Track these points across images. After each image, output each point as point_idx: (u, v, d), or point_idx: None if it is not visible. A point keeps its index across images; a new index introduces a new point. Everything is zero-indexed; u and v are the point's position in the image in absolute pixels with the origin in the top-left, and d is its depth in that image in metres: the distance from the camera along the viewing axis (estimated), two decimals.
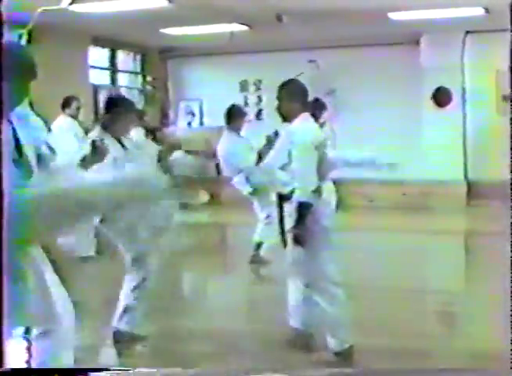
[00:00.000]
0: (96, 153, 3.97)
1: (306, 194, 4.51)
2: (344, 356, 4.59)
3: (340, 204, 8.60)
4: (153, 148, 8.19)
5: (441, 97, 12.27)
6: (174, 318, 5.76)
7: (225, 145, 7.57)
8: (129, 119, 4.99)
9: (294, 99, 4.72)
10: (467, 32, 12.01)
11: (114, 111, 4.95)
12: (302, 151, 4.56)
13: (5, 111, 2.86)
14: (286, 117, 4.76)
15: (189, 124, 14.15)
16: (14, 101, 3.01)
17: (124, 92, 13.60)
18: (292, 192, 4.63)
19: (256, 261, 7.72)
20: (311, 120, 4.85)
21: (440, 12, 10.13)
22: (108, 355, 4.98)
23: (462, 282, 7.42)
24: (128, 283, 4.98)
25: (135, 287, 4.96)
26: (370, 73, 12.45)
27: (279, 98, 4.77)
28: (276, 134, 7.56)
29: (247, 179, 7.30)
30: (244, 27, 10.97)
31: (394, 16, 10.26)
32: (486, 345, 4.64)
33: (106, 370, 3.18)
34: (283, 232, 4.79)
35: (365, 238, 9.43)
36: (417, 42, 12.19)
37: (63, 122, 8.69)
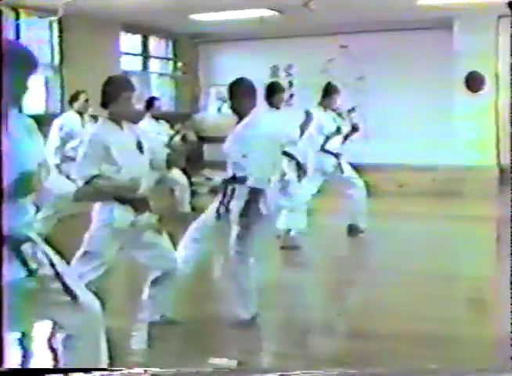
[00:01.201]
0: None
1: (261, 183, 5.04)
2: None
3: (369, 190, 8.71)
4: (160, 138, 8.16)
5: (473, 82, 12.14)
6: (206, 304, 5.79)
7: None
8: (126, 100, 4.67)
9: (245, 96, 5.23)
10: (500, 16, 11.86)
11: (110, 92, 4.71)
12: (258, 143, 5.00)
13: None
14: (239, 113, 5.22)
15: (219, 109, 14.16)
16: (14, 99, 2.98)
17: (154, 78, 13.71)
18: (246, 177, 5.06)
19: (287, 247, 7.78)
20: (265, 113, 5.69)
21: None
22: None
23: (493, 269, 7.36)
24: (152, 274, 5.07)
25: (157, 279, 5.03)
26: (402, 58, 12.36)
27: (230, 96, 5.30)
28: (308, 114, 7.61)
29: None
30: (274, 12, 10.94)
31: (422, 1, 10.18)
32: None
33: (107, 369, 3.21)
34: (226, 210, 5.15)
35: (395, 224, 9.38)
36: (450, 27, 12.07)
37: (61, 120, 8.56)
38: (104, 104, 4.73)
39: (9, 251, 2.96)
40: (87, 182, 4.45)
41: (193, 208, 9.73)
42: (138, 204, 4.68)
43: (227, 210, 5.14)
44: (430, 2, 10.30)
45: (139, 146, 4.70)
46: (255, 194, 5.02)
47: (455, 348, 4.64)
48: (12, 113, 2.99)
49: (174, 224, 5.40)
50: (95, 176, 4.49)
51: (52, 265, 3.12)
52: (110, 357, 3.42)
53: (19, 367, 3.26)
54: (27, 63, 3.03)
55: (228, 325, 5.14)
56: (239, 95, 5.22)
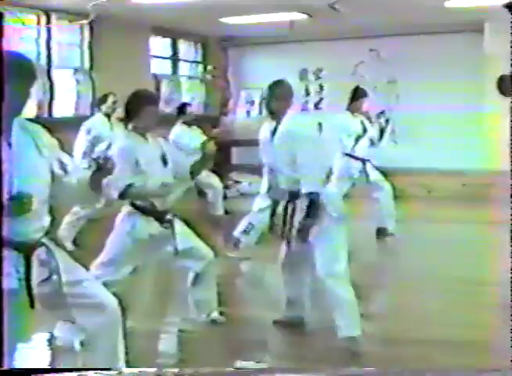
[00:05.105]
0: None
1: (312, 186, 4.75)
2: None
3: (397, 194, 8.67)
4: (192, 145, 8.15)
5: (505, 86, 12.01)
6: (231, 308, 5.79)
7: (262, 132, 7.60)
8: (149, 114, 4.76)
9: (282, 98, 5.04)
10: None
11: (132, 106, 4.80)
12: (302, 145, 4.81)
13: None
14: (274, 114, 5.07)
15: (248, 113, 14.16)
16: (15, 109, 2.99)
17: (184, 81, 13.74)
18: (299, 188, 4.82)
19: None
20: (299, 115, 5.64)
21: None
22: None
23: None
24: None
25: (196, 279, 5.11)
26: (432, 61, 12.26)
27: (268, 96, 5.12)
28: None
29: None
30: (304, 16, 10.93)
31: (449, 3, 10.10)
32: None
33: (108, 369, 3.21)
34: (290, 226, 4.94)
35: (424, 229, 9.32)
36: (480, 30, 11.96)
37: (89, 123, 8.48)
38: (127, 118, 4.80)
39: (19, 258, 2.99)
40: (122, 194, 4.57)
41: (226, 211, 9.79)
42: (162, 217, 4.75)
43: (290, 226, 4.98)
44: (458, 5, 10.21)
45: (163, 159, 4.81)
46: (312, 201, 4.80)
47: (488, 354, 4.60)
48: (15, 123, 3.02)
49: (207, 226, 5.40)
50: (129, 186, 4.58)
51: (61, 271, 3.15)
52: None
53: (20, 367, 3.27)
54: (28, 73, 3.04)
55: (260, 328, 5.16)
56: (277, 96, 5.07)
